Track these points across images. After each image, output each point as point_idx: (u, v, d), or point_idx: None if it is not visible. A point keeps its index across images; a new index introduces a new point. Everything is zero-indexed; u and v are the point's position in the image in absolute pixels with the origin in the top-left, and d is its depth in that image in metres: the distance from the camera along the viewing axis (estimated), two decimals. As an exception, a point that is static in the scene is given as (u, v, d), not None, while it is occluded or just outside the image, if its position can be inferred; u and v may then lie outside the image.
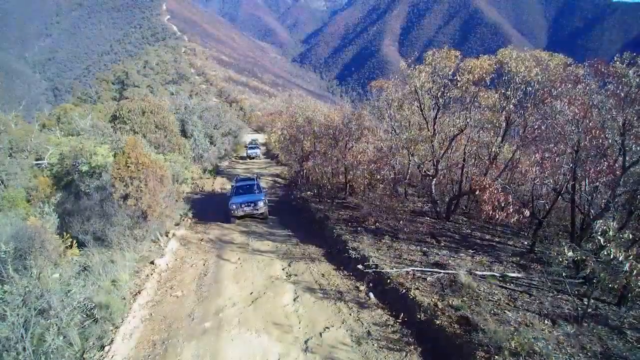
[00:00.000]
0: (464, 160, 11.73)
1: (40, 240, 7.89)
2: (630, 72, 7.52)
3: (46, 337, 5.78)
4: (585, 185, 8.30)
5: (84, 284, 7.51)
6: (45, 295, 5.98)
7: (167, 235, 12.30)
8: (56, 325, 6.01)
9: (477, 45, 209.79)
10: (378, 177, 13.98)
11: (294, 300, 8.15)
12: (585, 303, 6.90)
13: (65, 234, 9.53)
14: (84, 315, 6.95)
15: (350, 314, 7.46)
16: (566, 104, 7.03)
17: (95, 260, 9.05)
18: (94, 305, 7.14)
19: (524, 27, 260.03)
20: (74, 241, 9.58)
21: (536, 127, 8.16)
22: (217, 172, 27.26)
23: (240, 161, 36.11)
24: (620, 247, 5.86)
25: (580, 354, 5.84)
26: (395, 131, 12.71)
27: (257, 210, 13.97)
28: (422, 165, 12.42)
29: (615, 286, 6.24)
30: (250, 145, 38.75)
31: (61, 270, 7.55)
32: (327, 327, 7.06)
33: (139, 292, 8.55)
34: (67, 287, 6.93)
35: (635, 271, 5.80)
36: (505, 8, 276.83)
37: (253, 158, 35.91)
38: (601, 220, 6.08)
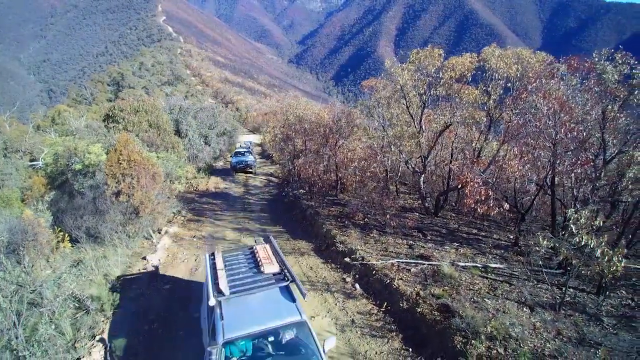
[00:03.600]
0: (451, 156, 12.01)
1: (33, 233, 8.05)
2: (609, 67, 7.81)
3: (38, 327, 5.96)
4: (572, 180, 8.56)
5: (77, 277, 7.70)
6: (37, 285, 6.14)
7: (159, 232, 12.46)
8: (48, 315, 6.18)
9: (472, 45, 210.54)
10: (368, 174, 14.21)
11: (282, 292, 8.34)
12: (564, 291, 7.15)
13: (57, 228, 9.69)
14: (76, 307, 7.13)
15: (336, 304, 7.68)
16: (541, 98, 7.30)
17: (88, 255, 9.23)
18: (86, 297, 7.31)
19: (518, 28, 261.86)
20: (66, 235, 9.74)
21: (515, 122, 8.42)
22: (211, 171, 27.41)
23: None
24: (592, 234, 6.12)
25: (556, 339, 6.07)
26: (384, 129, 12.97)
27: None
28: (410, 162, 12.68)
29: (589, 272, 6.49)
30: (238, 150, 26.63)
31: (54, 263, 7.71)
32: (312, 317, 7.26)
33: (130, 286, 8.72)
34: (59, 280, 7.11)
35: (607, 257, 6.05)
36: (500, 9, 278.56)
37: (243, 170, 23.90)
38: (573, 209, 6.34)
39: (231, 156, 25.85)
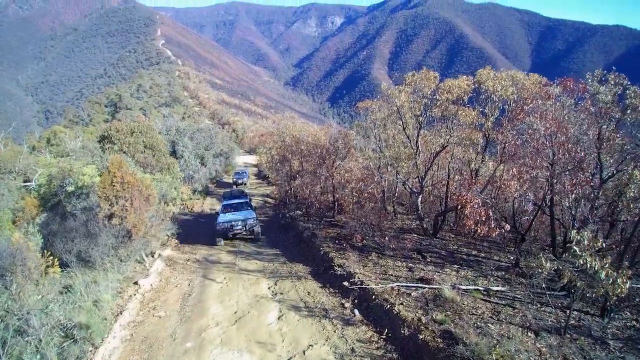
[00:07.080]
0: (448, 176, 11.98)
1: (21, 258, 7.77)
2: (602, 88, 7.91)
3: (23, 356, 5.67)
4: (569, 199, 8.51)
5: (65, 304, 7.41)
6: (25, 312, 5.88)
7: (152, 256, 12.17)
8: (34, 344, 5.89)
9: (463, 68, 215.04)
10: (365, 194, 14.12)
11: (279, 318, 8.07)
12: (568, 314, 6.95)
13: (47, 252, 9.41)
14: (63, 336, 6.81)
15: (335, 331, 7.39)
16: (538, 119, 7.34)
17: (77, 280, 8.92)
18: (74, 325, 6.99)
19: (508, 51, 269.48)
20: (56, 259, 9.44)
21: (513, 142, 8.44)
22: (207, 192, 27.21)
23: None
24: (596, 256, 6.00)
25: (562, 365, 5.85)
26: (380, 150, 12.98)
27: None
28: (407, 182, 12.63)
29: (593, 295, 6.34)
30: (227, 198, 16.98)
31: (41, 289, 7.43)
32: (310, 345, 6.98)
33: (121, 313, 8.39)
34: (47, 307, 6.83)
35: (611, 279, 5.92)
36: (490, 33, 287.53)
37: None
38: (575, 231, 6.24)
39: (217, 213, 15.58)
